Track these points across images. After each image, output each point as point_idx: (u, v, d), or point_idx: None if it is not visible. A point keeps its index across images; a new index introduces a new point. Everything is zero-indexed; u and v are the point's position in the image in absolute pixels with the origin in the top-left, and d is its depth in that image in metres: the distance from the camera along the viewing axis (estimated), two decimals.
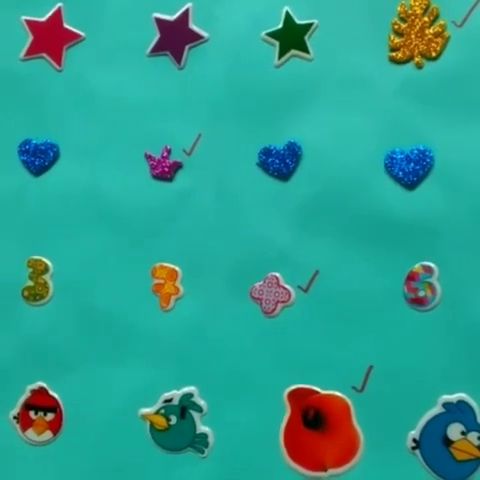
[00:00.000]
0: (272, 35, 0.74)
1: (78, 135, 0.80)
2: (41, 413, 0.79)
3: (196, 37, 0.76)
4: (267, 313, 0.74)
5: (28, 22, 0.81)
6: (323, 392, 0.71)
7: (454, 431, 0.68)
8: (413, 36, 0.70)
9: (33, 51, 0.81)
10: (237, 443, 0.73)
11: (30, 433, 0.79)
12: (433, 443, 0.68)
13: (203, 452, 0.74)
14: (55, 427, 0.78)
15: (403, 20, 0.71)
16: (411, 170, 0.70)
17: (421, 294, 0.69)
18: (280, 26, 0.74)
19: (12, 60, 0.82)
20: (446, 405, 0.68)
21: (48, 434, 0.79)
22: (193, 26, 0.76)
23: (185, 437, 0.75)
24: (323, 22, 0.73)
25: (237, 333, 0.74)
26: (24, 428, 0.79)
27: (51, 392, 0.79)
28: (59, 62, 0.80)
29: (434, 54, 0.70)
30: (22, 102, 0.81)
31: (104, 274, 0.78)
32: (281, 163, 0.74)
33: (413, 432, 0.69)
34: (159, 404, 0.76)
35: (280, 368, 0.73)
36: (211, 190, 0.76)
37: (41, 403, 0.79)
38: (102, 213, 0.79)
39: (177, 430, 0.75)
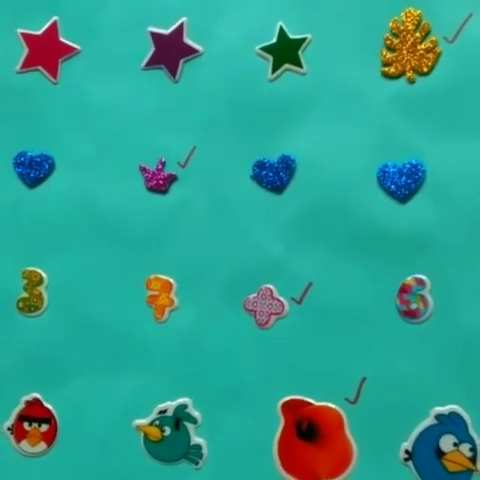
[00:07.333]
0: (266, 49, 0.75)
1: (73, 147, 0.80)
2: (35, 424, 0.79)
3: (191, 51, 0.77)
4: (261, 325, 0.74)
5: (24, 35, 0.81)
6: (317, 404, 0.72)
7: (446, 442, 0.68)
8: (405, 51, 0.71)
9: (29, 64, 0.81)
10: (231, 454, 0.74)
11: (24, 444, 0.79)
12: (425, 454, 0.68)
13: (197, 463, 0.74)
14: (49, 438, 0.79)
15: (395, 35, 0.71)
16: (403, 184, 0.70)
17: (413, 306, 0.70)
18: (274, 40, 0.74)
19: (8, 73, 0.82)
20: (438, 417, 0.68)
21: (42, 445, 0.79)
22: (188, 40, 0.77)
23: (179, 448, 0.75)
24: (316, 37, 0.74)
25: (231, 345, 0.74)
26: (18, 439, 0.79)
27: (45, 403, 0.79)
28: (54, 75, 0.81)
29: (426, 69, 0.70)
30: (17, 114, 0.81)
31: (99, 285, 0.78)
32: (275, 176, 0.74)
33: (406, 443, 0.69)
34: (153, 415, 0.76)
35: (274, 380, 0.73)
36: (205, 202, 0.76)
37: (35, 414, 0.79)
38: (97, 225, 0.79)
39: (171, 441, 0.75)
